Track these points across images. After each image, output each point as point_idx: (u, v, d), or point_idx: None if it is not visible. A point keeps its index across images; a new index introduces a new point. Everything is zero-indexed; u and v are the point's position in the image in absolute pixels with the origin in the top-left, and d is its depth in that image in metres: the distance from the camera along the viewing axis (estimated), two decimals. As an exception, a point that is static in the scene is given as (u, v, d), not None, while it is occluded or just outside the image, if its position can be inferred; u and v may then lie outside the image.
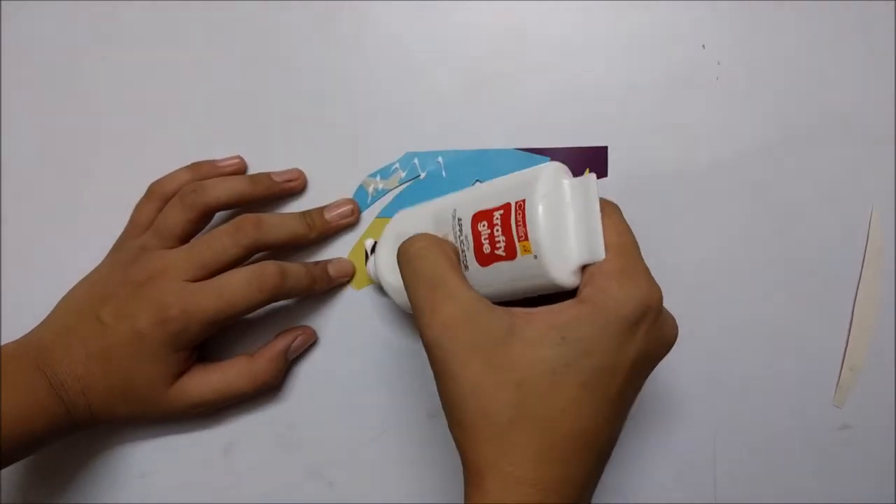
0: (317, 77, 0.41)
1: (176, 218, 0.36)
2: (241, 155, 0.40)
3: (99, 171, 0.42)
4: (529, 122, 0.40)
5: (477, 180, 0.40)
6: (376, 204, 0.41)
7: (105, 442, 0.40)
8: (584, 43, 0.40)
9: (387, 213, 0.40)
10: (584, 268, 0.28)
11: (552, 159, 0.39)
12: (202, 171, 0.39)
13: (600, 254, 0.27)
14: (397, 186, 0.40)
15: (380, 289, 0.39)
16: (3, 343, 0.35)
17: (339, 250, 0.41)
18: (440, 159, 0.40)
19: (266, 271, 0.35)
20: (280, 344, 0.39)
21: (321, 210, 0.39)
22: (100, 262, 0.38)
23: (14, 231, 0.42)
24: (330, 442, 0.40)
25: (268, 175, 0.39)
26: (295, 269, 0.37)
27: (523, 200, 0.28)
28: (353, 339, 0.40)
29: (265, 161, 0.40)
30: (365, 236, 0.40)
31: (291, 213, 0.38)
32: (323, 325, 0.40)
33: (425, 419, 0.40)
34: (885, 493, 0.40)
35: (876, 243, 0.40)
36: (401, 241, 0.32)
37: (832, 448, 0.40)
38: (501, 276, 0.29)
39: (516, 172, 0.30)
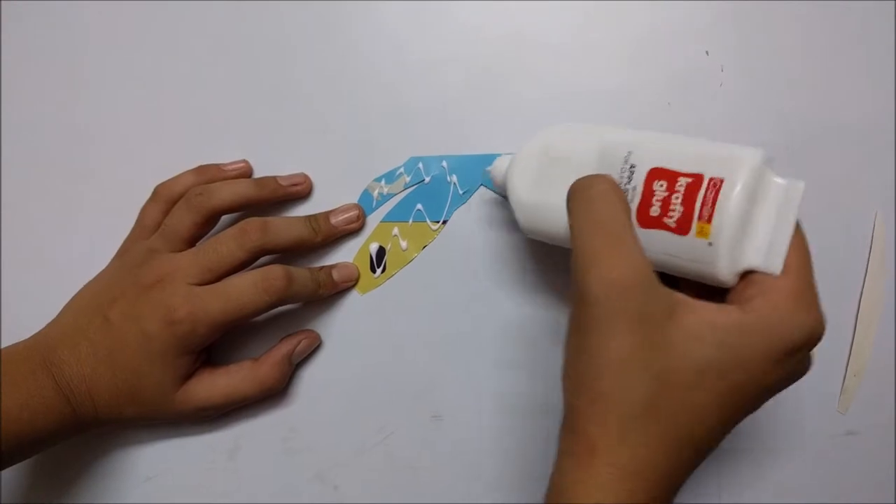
0: (322, 82, 0.41)
1: (182, 221, 0.37)
2: (247, 159, 0.41)
3: (104, 173, 0.42)
4: (533, 126, 0.40)
5: (482, 185, 0.40)
6: (381, 208, 0.41)
7: (110, 444, 0.40)
8: (587, 48, 0.41)
9: (391, 218, 0.41)
10: (747, 272, 0.26)
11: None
12: (208, 175, 0.39)
13: (777, 267, 0.25)
14: (402, 191, 0.41)
15: (501, 199, 0.37)
16: (10, 343, 0.35)
17: (343, 255, 0.41)
18: (445, 163, 0.40)
19: (272, 275, 0.35)
20: (284, 348, 0.39)
21: (327, 214, 0.40)
22: (104, 263, 0.38)
23: (18, 232, 0.42)
24: (335, 445, 0.40)
25: (274, 179, 0.39)
26: (300, 274, 0.37)
27: (721, 179, 0.25)
28: (358, 343, 0.41)
29: (271, 165, 0.41)
30: (370, 241, 0.41)
31: (297, 217, 0.39)
32: (327, 329, 0.41)
33: (430, 422, 0.40)
34: (889, 498, 0.40)
35: (879, 248, 0.40)
36: (552, 158, 0.30)
37: (836, 454, 0.40)
38: (657, 246, 0.27)
39: (713, 142, 0.27)
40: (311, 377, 0.41)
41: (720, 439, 0.27)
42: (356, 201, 0.41)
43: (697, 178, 0.26)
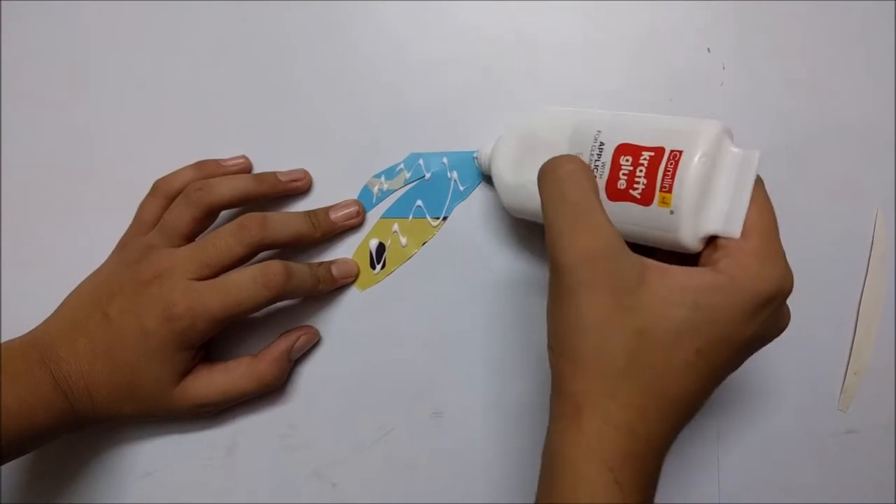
0: (322, 78, 0.41)
1: (182, 216, 0.37)
2: (247, 155, 0.41)
3: (104, 170, 0.42)
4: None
5: (482, 181, 0.40)
6: (381, 204, 0.41)
7: (108, 440, 0.40)
8: (588, 45, 0.40)
9: (391, 214, 0.40)
10: (711, 237, 0.28)
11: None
12: (207, 170, 0.39)
13: (737, 231, 0.27)
14: (402, 187, 0.41)
15: (487, 181, 0.39)
16: (7, 338, 0.35)
17: (343, 251, 0.41)
18: (445, 160, 0.40)
19: (271, 270, 0.35)
20: (283, 344, 0.39)
21: (327, 210, 0.40)
22: (103, 258, 0.38)
23: (17, 228, 0.42)
24: (333, 442, 0.40)
25: (273, 174, 0.39)
26: (300, 269, 0.37)
27: (680, 152, 0.27)
28: (357, 340, 0.40)
29: (270, 161, 0.41)
30: (369, 237, 0.41)
31: (296, 213, 0.38)
32: (326, 325, 0.41)
33: (429, 419, 0.40)
34: (889, 497, 0.40)
35: (880, 247, 0.40)
36: (529, 141, 0.32)
37: (837, 452, 0.40)
38: (625, 217, 0.28)
39: (676, 117, 0.29)
40: (309, 374, 0.41)
41: (704, 397, 0.28)
42: (356, 197, 0.41)
43: (659, 151, 0.28)
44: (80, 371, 0.34)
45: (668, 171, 0.27)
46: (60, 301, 0.37)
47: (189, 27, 0.42)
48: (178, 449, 0.40)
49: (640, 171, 0.28)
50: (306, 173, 0.40)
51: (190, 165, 0.39)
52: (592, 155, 0.30)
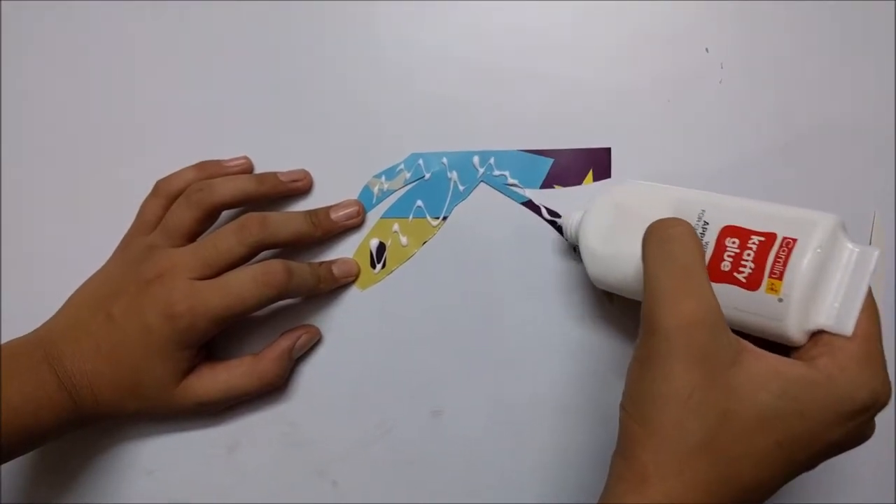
0: (323, 77, 0.41)
1: (183, 216, 0.37)
2: (248, 155, 0.41)
3: (105, 170, 0.42)
4: (533, 123, 0.40)
5: (482, 181, 0.40)
6: (381, 204, 0.41)
7: (111, 439, 0.41)
8: (587, 44, 0.41)
9: (391, 214, 0.41)
10: (816, 331, 0.27)
11: (557, 161, 0.40)
12: (209, 171, 0.39)
13: (848, 329, 0.26)
14: (402, 187, 0.41)
15: (572, 251, 0.39)
16: (9, 337, 0.36)
17: (344, 251, 0.41)
18: (445, 160, 0.40)
19: (272, 269, 0.35)
20: (284, 343, 0.39)
21: (327, 210, 0.40)
22: (105, 259, 0.39)
23: (18, 229, 0.42)
24: (334, 441, 0.40)
25: (274, 174, 0.40)
26: (300, 268, 0.37)
27: (794, 240, 0.26)
28: (358, 339, 0.41)
29: (271, 161, 0.41)
30: (370, 237, 0.41)
31: (297, 212, 0.39)
32: (327, 324, 0.41)
33: (429, 418, 0.40)
34: (889, 498, 0.40)
35: (878, 247, 0.40)
36: (623, 213, 0.31)
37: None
38: (725, 300, 0.27)
39: (787, 205, 0.28)
40: (311, 372, 0.41)
41: (772, 490, 0.27)
42: (356, 197, 0.41)
43: (770, 237, 0.27)
44: (83, 369, 0.34)
45: (780, 257, 0.26)
46: (63, 301, 0.37)
47: (190, 27, 0.42)
48: (180, 447, 0.40)
49: (748, 254, 0.27)
50: (307, 173, 0.41)
51: (191, 166, 0.40)
52: (696, 231, 0.29)
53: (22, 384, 0.33)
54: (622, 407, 0.28)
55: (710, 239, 0.29)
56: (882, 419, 0.39)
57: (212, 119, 0.42)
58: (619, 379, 0.38)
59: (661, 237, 0.28)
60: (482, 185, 0.40)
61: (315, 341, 0.40)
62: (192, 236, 0.38)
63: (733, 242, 0.28)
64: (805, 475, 0.39)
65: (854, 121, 0.40)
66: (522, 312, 0.40)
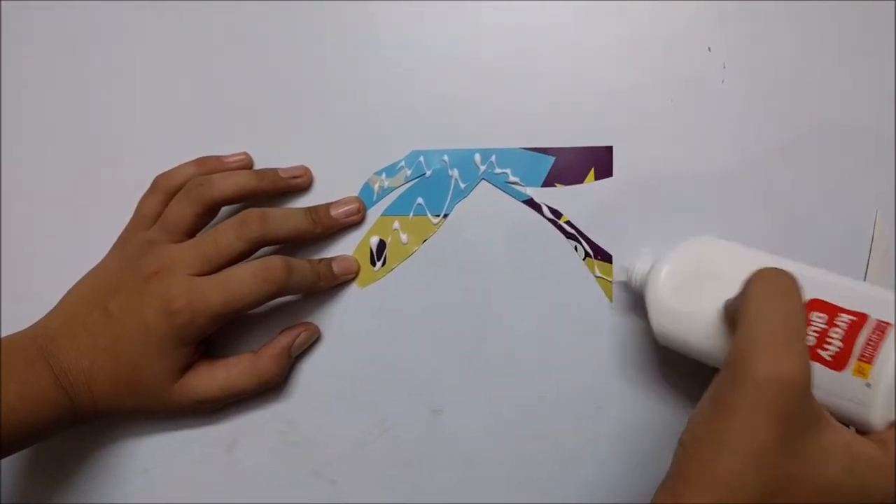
0: (323, 75, 0.41)
1: (182, 212, 0.37)
2: (248, 151, 0.41)
3: (104, 165, 0.42)
4: (535, 121, 0.40)
5: (483, 179, 0.40)
6: (382, 202, 0.41)
7: (108, 436, 0.40)
8: (589, 43, 0.40)
9: (392, 212, 0.40)
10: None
11: (559, 159, 0.39)
12: (208, 166, 0.39)
13: None
14: (403, 184, 0.41)
15: (633, 301, 0.38)
16: (7, 333, 0.35)
17: (344, 248, 0.41)
18: (446, 157, 0.40)
19: (271, 265, 0.35)
20: (283, 340, 0.39)
21: (327, 206, 0.40)
22: (104, 254, 0.38)
23: (17, 225, 0.42)
24: (332, 440, 0.40)
25: (274, 170, 0.39)
26: (300, 265, 0.37)
27: (889, 324, 0.26)
28: (357, 337, 0.40)
29: (271, 158, 0.41)
30: (370, 234, 0.41)
31: (297, 209, 0.39)
32: (326, 322, 0.41)
33: (428, 417, 0.40)
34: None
35: (880, 247, 0.40)
36: (702, 271, 0.31)
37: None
38: None
39: (875, 286, 0.28)
40: (310, 370, 0.41)
41: None
42: (357, 194, 0.41)
43: (861, 317, 0.26)
44: (80, 366, 0.34)
45: (872, 340, 0.26)
46: (61, 296, 0.37)
47: (190, 24, 0.42)
48: (178, 445, 0.40)
49: (836, 332, 0.27)
50: (307, 170, 0.40)
51: (191, 161, 0.40)
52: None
53: (18, 380, 0.33)
54: (682, 443, 0.27)
55: None
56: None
57: (212, 116, 0.42)
58: (617, 377, 0.39)
59: (773, 284, 0.27)
60: (483, 183, 0.40)
61: (314, 339, 0.40)
62: (192, 232, 0.37)
63: (820, 318, 0.27)
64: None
65: (855, 121, 0.40)
66: (522, 311, 0.40)
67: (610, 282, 0.39)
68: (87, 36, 0.43)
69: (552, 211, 0.40)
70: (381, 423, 0.40)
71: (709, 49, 0.40)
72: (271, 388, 0.39)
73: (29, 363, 0.34)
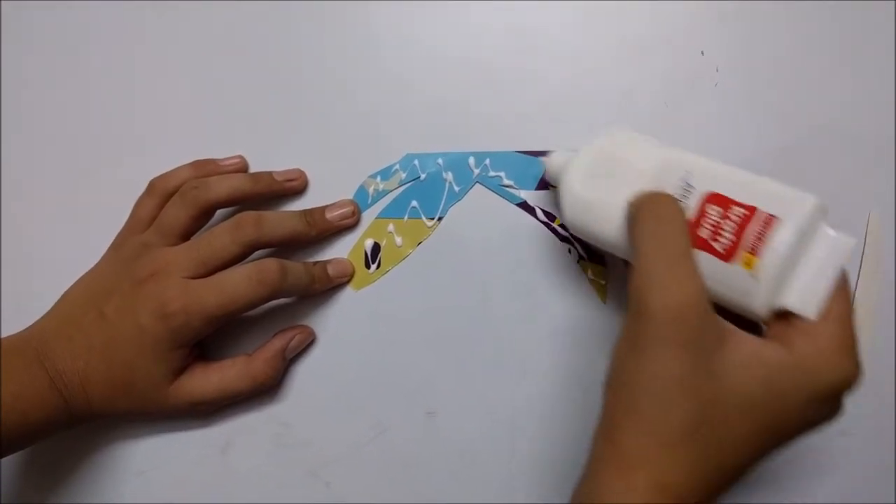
0: (318, 78, 0.42)
1: (177, 215, 0.37)
2: (243, 154, 0.41)
3: (99, 168, 0.42)
4: (529, 124, 0.40)
5: (477, 182, 0.40)
6: (376, 204, 0.41)
7: (103, 438, 0.40)
8: (583, 47, 0.41)
9: (387, 214, 0.41)
10: (781, 312, 0.27)
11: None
12: (204, 169, 0.39)
13: (813, 312, 0.26)
14: (397, 187, 0.41)
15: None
16: (4, 335, 0.35)
17: (338, 251, 0.41)
18: (440, 161, 0.40)
19: (266, 267, 0.35)
20: (278, 343, 0.39)
21: (322, 209, 0.40)
22: (99, 257, 0.38)
23: (12, 227, 0.42)
24: (327, 442, 0.40)
25: (269, 174, 0.40)
26: (295, 267, 0.37)
27: (776, 217, 0.26)
28: (352, 340, 0.40)
29: (266, 161, 0.41)
30: (365, 237, 0.41)
31: (292, 212, 0.39)
32: (321, 324, 0.41)
33: (423, 419, 0.40)
34: (883, 498, 0.40)
35: (874, 249, 0.40)
36: (611, 163, 0.31)
37: (831, 454, 0.40)
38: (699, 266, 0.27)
39: (771, 180, 0.28)
40: (304, 373, 0.41)
41: (750, 471, 0.27)
42: (352, 197, 0.41)
43: (753, 211, 0.27)
44: (75, 368, 0.34)
45: (760, 233, 0.26)
46: (56, 299, 0.37)
47: (187, 27, 0.42)
48: (173, 447, 0.40)
49: (729, 225, 0.27)
50: (302, 173, 0.40)
51: (186, 164, 0.40)
52: (677, 194, 0.29)
53: (13, 382, 0.33)
54: (606, 388, 0.28)
55: (693, 203, 0.29)
56: (875, 421, 0.40)
57: (207, 118, 0.42)
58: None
59: (653, 215, 0.28)
60: (477, 185, 0.40)
61: (309, 342, 0.40)
62: (187, 235, 0.37)
63: (715, 210, 0.28)
64: (802, 473, 0.40)
65: (852, 123, 0.40)
66: (517, 313, 0.40)
67: (603, 284, 0.39)
68: (87, 36, 0.43)
69: (546, 214, 0.40)
70: (375, 425, 0.40)
71: (702, 53, 0.40)
72: (266, 390, 0.39)
73: (24, 365, 0.34)
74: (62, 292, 0.37)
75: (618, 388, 0.27)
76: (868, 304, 0.40)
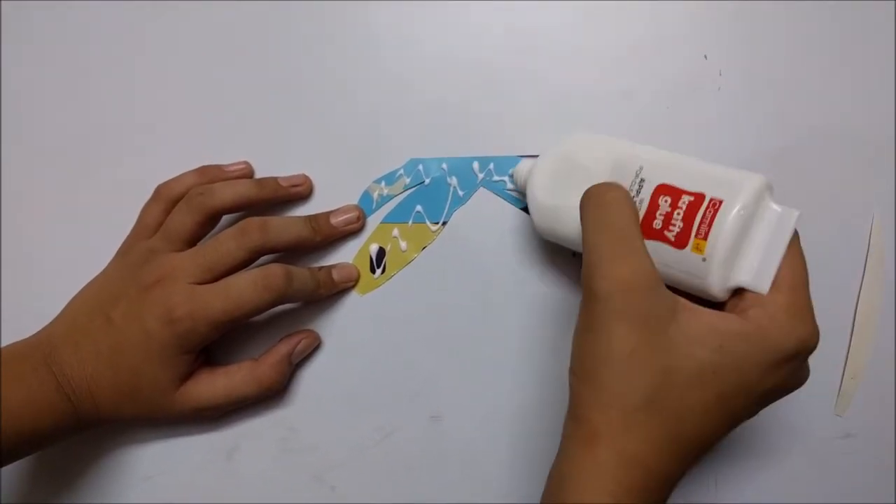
0: (323, 83, 0.42)
1: (183, 221, 0.37)
2: (248, 160, 0.41)
3: (106, 174, 0.42)
4: (532, 129, 0.40)
5: (481, 186, 0.40)
6: (381, 209, 0.41)
7: (110, 443, 0.40)
8: (586, 52, 0.41)
9: (391, 219, 0.41)
10: (739, 289, 0.28)
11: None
12: (209, 175, 0.39)
13: (765, 287, 0.27)
14: (402, 192, 0.41)
15: (519, 197, 0.39)
16: (5, 337, 0.36)
17: (343, 256, 0.41)
18: (444, 165, 0.41)
19: (272, 273, 0.35)
20: (283, 348, 0.39)
21: (327, 215, 0.40)
22: (105, 263, 0.39)
23: (19, 233, 0.42)
24: (333, 446, 0.40)
25: (274, 179, 0.40)
26: (300, 273, 0.37)
27: (720, 201, 0.27)
28: (357, 344, 0.41)
29: (272, 167, 0.41)
30: (370, 242, 0.41)
31: (297, 217, 0.39)
32: (327, 329, 0.41)
33: (428, 423, 0.40)
34: (886, 500, 0.40)
35: (877, 250, 0.40)
36: (569, 167, 0.32)
37: (834, 457, 0.40)
38: (656, 256, 0.28)
39: (720, 165, 0.29)
40: (310, 377, 0.41)
41: (716, 440, 0.28)
42: (356, 202, 0.41)
43: (699, 197, 0.28)
44: (83, 374, 0.34)
45: (706, 218, 0.27)
46: (60, 304, 0.37)
47: (191, 31, 0.42)
48: (179, 452, 0.40)
49: (678, 213, 0.28)
50: (307, 178, 0.41)
51: (192, 170, 0.40)
52: (632, 190, 0.30)
53: (21, 388, 0.33)
54: (571, 371, 0.29)
55: (645, 196, 0.30)
56: (879, 423, 0.40)
57: (212, 124, 0.42)
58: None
59: (597, 203, 0.29)
60: (482, 190, 0.40)
61: (314, 346, 0.40)
62: (193, 241, 0.38)
63: (665, 201, 0.29)
64: (805, 476, 0.40)
65: (851, 125, 0.40)
66: (521, 318, 0.40)
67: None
68: (87, 36, 0.43)
69: (550, 218, 0.40)
70: (380, 428, 0.40)
71: (705, 56, 0.40)
72: (272, 395, 0.39)
73: (32, 371, 0.34)
74: (66, 298, 0.37)
75: (578, 369, 0.28)
76: (872, 306, 0.40)
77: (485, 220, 0.40)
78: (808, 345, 0.27)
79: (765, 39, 0.41)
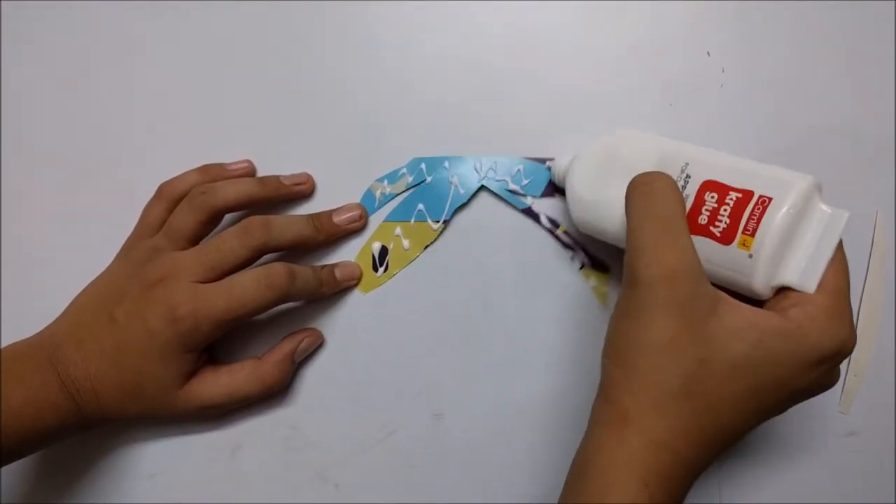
0: (325, 82, 0.42)
1: (186, 219, 0.37)
2: (251, 158, 0.41)
3: (108, 173, 0.42)
4: (535, 128, 0.41)
5: (483, 186, 0.40)
6: (383, 208, 0.41)
7: (113, 442, 0.41)
8: (589, 49, 0.41)
9: (393, 218, 0.41)
10: (782, 287, 0.28)
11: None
12: (212, 174, 0.40)
13: (812, 287, 0.27)
14: (404, 191, 0.41)
15: (558, 192, 0.39)
16: (5, 335, 0.36)
17: (346, 254, 0.41)
18: (447, 164, 0.41)
19: (274, 272, 0.35)
20: (286, 346, 0.39)
21: (329, 213, 0.40)
22: (108, 262, 0.39)
23: (21, 232, 0.42)
24: (336, 444, 0.40)
25: (277, 178, 0.40)
26: (303, 271, 0.37)
27: (769, 198, 0.27)
28: (360, 342, 0.41)
29: (274, 165, 0.41)
30: (372, 240, 0.41)
31: (299, 216, 0.39)
32: (330, 327, 0.41)
33: (430, 421, 0.40)
34: (889, 499, 0.40)
35: (880, 249, 0.40)
36: (611, 161, 0.32)
37: (838, 455, 0.40)
38: (700, 252, 0.28)
39: (767, 164, 0.29)
40: (313, 376, 0.41)
41: (744, 433, 0.28)
42: (359, 201, 0.41)
43: (747, 194, 0.28)
44: (86, 372, 0.34)
45: (755, 215, 0.27)
46: (63, 303, 0.37)
47: (192, 30, 0.43)
48: (183, 451, 0.40)
49: (725, 210, 0.28)
50: (309, 177, 0.41)
51: (194, 169, 0.40)
52: (678, 184, 0.30)
53: (24, 386, 0.33)
54: (604, 355, 0.29)
55: (691, 192, 0.30)
56: (883, 420, 0.40)
57: (213, 123, 0.42)
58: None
59: (643, 191, 0.29)
60: (483, 190, 0.40)
61: (317, 345, 0.40)
62: (195, 239, 0.38)
63: (712, 197, 0.29)
64: (810, 473, 0.40)
65: (857, 125, 0.40)
66: (522, 316, 0.40)
67: (605, 292, 0.40)
68: (87, 36, 0.43)
69: (550, 221, 0.40)
70: (383, 427, 0.40)
71: (708, 54, 0.40)
72: (275, 393, 0.39)
73: (36, 370, 0.34)
74: (68, 297, 0.37)
75: (613, 353, 0.28)
76: (875, 304, 0.40)
77: (485, 220, 0.40)
78: (845, 348, 0.27)
79: (768, 37, 0.41)
